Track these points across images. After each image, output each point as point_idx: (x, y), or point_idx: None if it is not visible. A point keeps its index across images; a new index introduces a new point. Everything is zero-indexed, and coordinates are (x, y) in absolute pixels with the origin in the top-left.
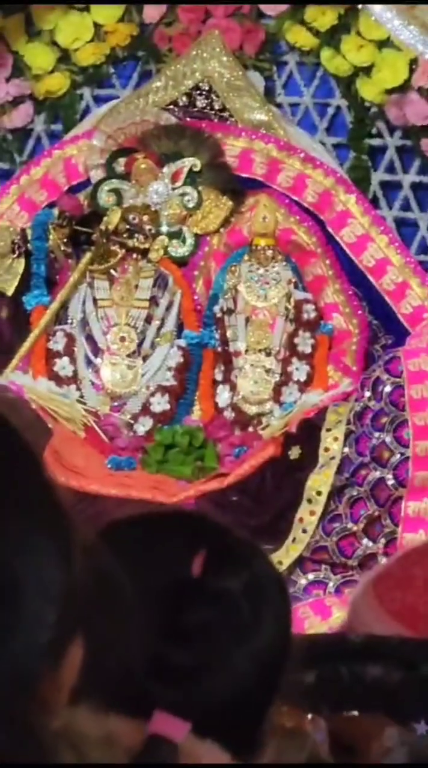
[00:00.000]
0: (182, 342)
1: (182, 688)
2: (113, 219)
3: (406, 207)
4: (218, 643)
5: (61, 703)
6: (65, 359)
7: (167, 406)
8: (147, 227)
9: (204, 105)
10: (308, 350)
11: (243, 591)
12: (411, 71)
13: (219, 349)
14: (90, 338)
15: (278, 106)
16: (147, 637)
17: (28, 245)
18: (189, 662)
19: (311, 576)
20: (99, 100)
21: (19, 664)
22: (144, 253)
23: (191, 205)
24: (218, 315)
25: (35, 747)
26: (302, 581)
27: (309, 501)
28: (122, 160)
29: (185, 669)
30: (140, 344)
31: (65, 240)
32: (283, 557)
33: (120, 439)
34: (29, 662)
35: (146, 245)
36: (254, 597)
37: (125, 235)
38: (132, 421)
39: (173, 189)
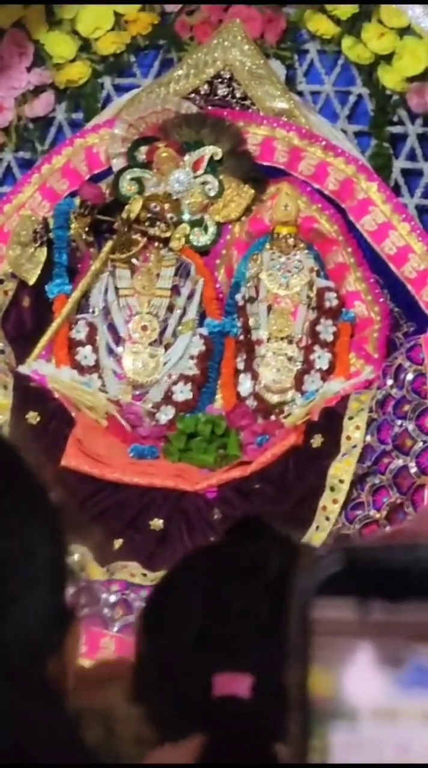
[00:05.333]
0: (204, 330)
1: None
2: (134, 208)
3: None
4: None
5: (68, 683)
6: (87, 348)
7: (190, 395)
8: (169, 216)
9: (225, 93)
10: (330, 338)
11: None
12: None
13: (241, 337)
14: (112, 327)
15: (300, 94)
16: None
17: (50, 234)
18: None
19: None
20: (120, 89)
21: (25, 630)
22: (166, 241)
23: (212, 193)
24: (240, 303)
25: (59, 717)
26: None
27: (332, 489)
28: (143, 149)
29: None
30: (161, 333)
31: (87, 229)
32: None
33: (142, 427)
34: (34, 630)
35: (168, 234)
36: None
37: (146, 224)
38: (154, 410)
39: (195, 177)
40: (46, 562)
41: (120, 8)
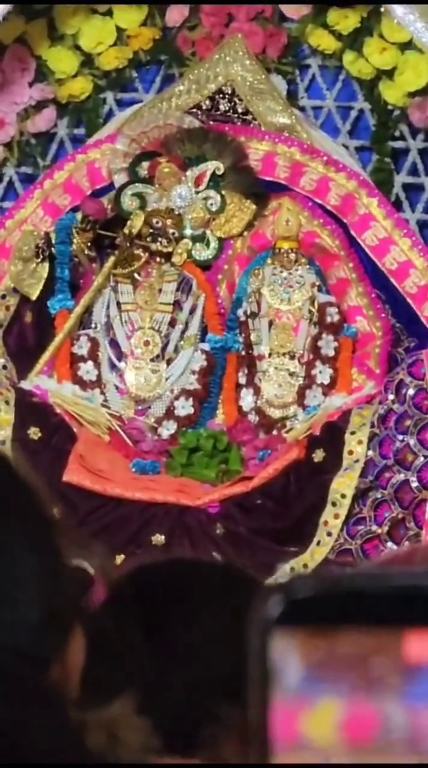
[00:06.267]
0: (206, 346)
1: None
2: (136, 223)
3: None
4: None
5: (72, 691)
6: (89, 363)
7: (191, 410)
8: (171, 231)
9: (227, 108)
10: (332, 353)
11: None
12: None
13: (243, 352)
14: (114, 342)
15: (301, 109)
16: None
17: (52, 249)
18: None
19: None
20: (122, 104)
21: (17, 635)
22: (168, 256)
23: (214, 208)
24: (242, 318)
25: (59, 721)
26: None
27: (334, 504)
28: (145, 164)
29: None
30: (163, 348)
31: (89, 244)
32: (308, 560)
33: (144, 442)
34: (27, 636)
35: (170, 249)
36: None
37: (148, 239)
38: (156, 425)
39: (197, 193)
40: (38, 570)
41: (122, 23)
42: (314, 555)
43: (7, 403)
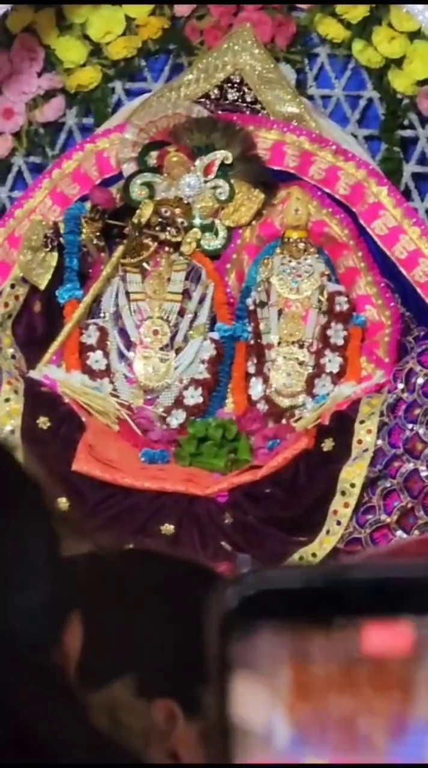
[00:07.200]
0: (215, 335)
1: None
2: (145, 212)
3: None
4: None
5: (70, 676)
6: (98, 353)
7: (200, 399)
8: (179, 220)
9: (236, 98)
10: (341, 342)
11: None
12: None
13: (252, 341)
14: (123, 332)
15: (310, 98)
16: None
17: (61, 239)
18: None
19: None
20: (131, 94)
21: (17, 618)
22: (176, 246)
23: (223, 197)
24: (251, 308)
25: (67, 704)
26: None
27: (343, 493)
28: (154, 154)
29: None
30: (172, 337)
31: (98, 233)
32: (317, 549)
33: (153, 432)
34: (27, 619)
35: (179, 238)
36: None
37: (157, 229)
38: (165, 414)
39: (205, 182)
40: (36, 554)
41: (131, 13)
42: (324, 544)
43: (16, 392)
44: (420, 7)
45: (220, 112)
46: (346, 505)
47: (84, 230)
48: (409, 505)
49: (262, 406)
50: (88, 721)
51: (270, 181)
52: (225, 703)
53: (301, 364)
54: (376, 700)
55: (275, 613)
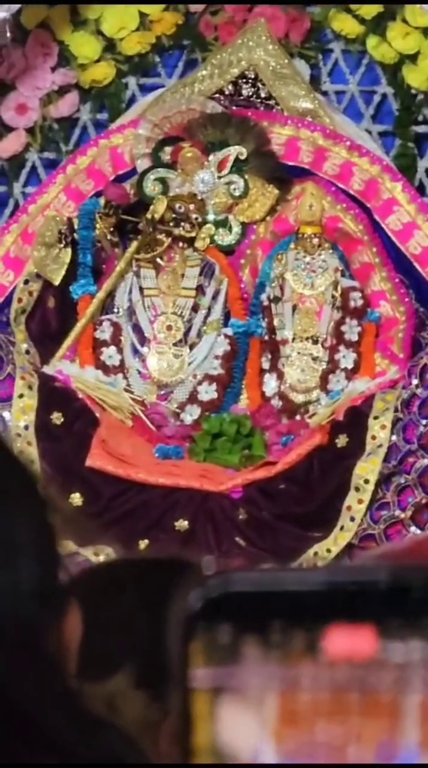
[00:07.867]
0: (229, 330)
1: None
2: (159, 208)
3: None
4: None
5: (69, 665)
6: (112, 348)
7: (214, 395)
8: (193, 216)
9: (250, 93)
10: (355, 338)
11: None
12: None
13: (266, 337)
14: (137, 327)
15: (324, 94)
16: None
17: (75, 235)
18: None
19: None
20: (145, 89)
21: (10, 598)
22: (190, 241)
23: (237, 193)
24: (265, 303)
25: (58, 681)
26: None
27: (357, 489)
28: (168, 149)
29: None
30: (186, 333)
31: (112, 229)
32: (331, 545)
33: (167, 427)
34: (21, 601)
35: (193, 234)
36: None
37: (171, 224)
38: (179, 410)
39: (219, 177)
40: (31, 539)
41: (145, 8)
42: (338, 540)
43: (30, 388)
44: None
45: (234, 108)
46: (360, 501)
47: (98, 226)
48: (423, 501)
49: (276, 402)
50: (76, 699)
51: (284, 176)
52: (187, 701)
53: (315, 359)
54: (341, 705)
55: (239, 616)
